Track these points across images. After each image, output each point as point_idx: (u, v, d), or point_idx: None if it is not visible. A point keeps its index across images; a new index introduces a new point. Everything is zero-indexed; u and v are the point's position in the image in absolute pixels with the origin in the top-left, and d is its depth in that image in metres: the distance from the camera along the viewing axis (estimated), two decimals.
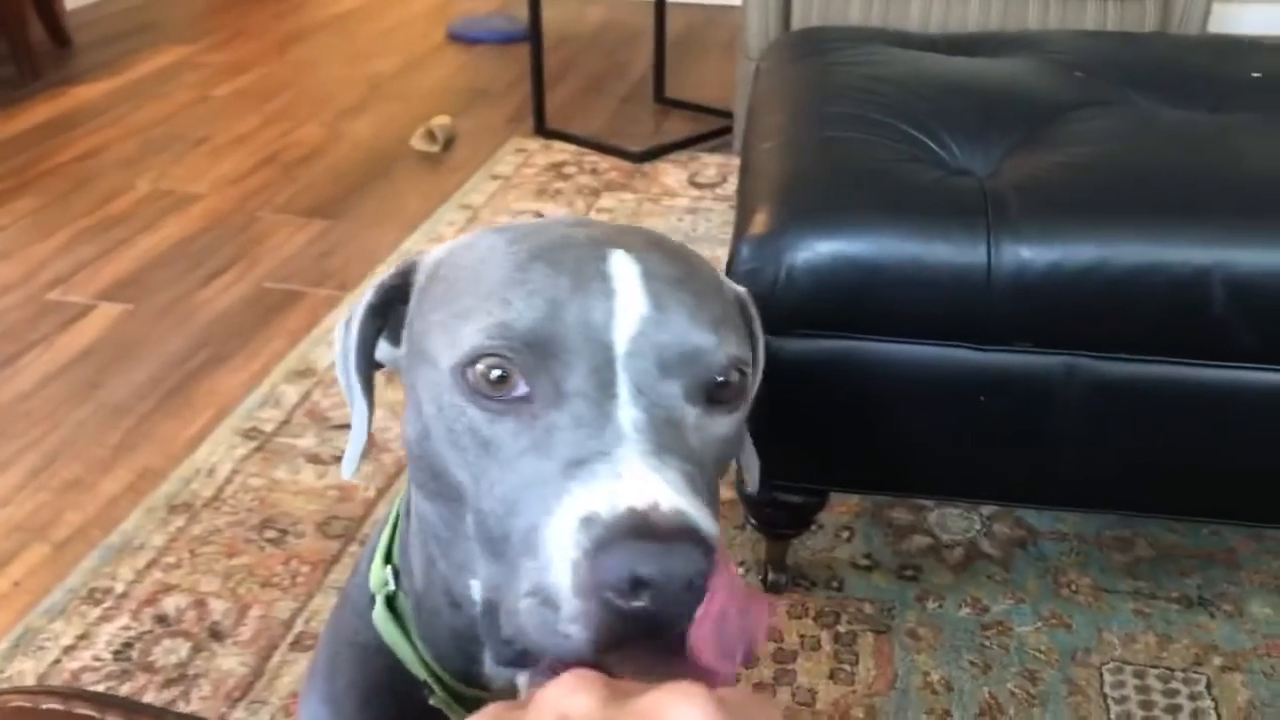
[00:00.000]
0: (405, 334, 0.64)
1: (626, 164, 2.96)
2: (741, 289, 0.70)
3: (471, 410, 0.56)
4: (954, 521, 1.68)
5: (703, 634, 0.49)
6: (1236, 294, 1.25)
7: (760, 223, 1.34)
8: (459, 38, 4.05)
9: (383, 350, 0.68)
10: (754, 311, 0.70)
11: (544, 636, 0.50)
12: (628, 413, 0.53)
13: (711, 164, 2.95)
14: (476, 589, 0.58)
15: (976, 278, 1.28)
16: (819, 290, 1.32)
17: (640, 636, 0.49)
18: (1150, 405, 1.34)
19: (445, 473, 0.58)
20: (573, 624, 0.49)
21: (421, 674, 0.67)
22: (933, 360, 1.36)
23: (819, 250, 1.30)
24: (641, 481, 0.50)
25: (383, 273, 0.67)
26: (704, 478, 0.55)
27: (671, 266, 0.60)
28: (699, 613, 0.49)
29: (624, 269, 0.58)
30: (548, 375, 0.55)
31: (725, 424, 0.59)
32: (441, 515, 0.61)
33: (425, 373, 0.60)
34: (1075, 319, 1.30)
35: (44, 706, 0.42)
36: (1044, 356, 1.33)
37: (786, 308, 1.33)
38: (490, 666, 0.65)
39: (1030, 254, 1.27)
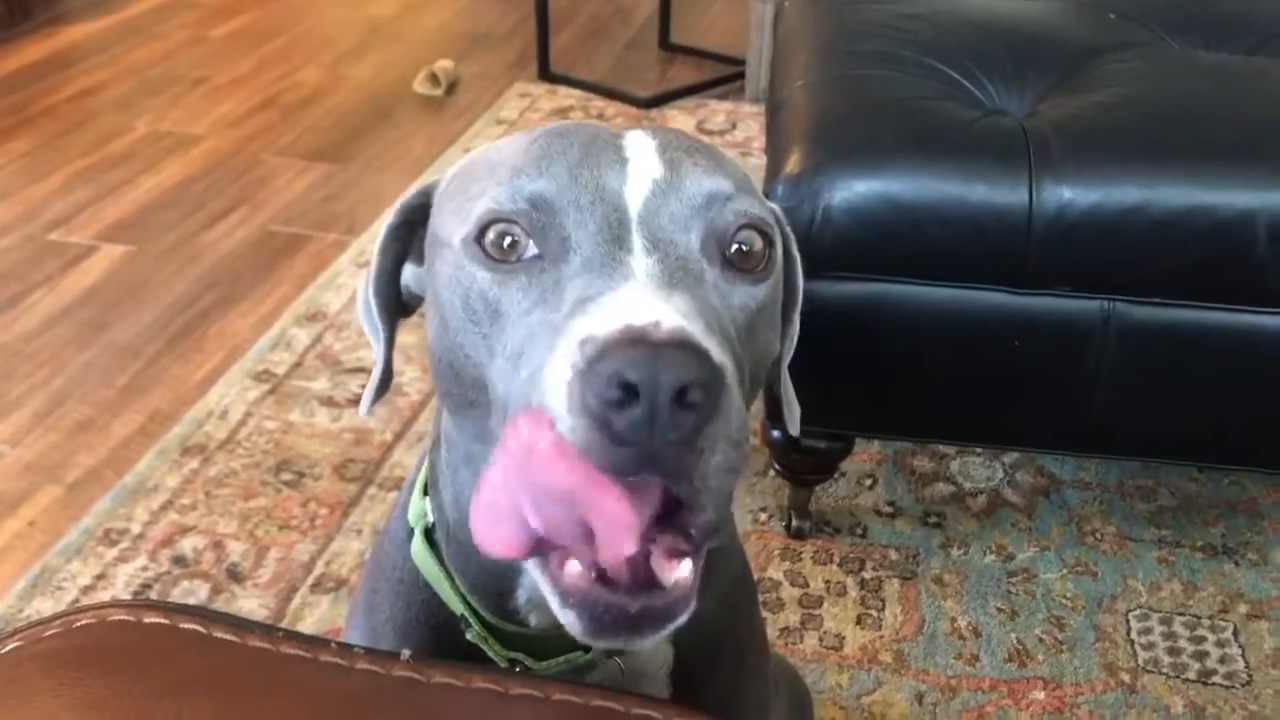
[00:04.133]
0: (427, 242, 0.63)
1: (634, 110, 2.92)
2: (775, 206, 0.68)
3: (482, 275, 0.56)
4: (976, 469, 1.67)
5: None
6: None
7: (795, 162, 1.32)
8: None
9: (408, 274, 0.68)
10: (788, 229, 0.68)
11: None
12: (640, 262, 0.53)
13: (720, 111, 2.91)
14: None
15: (1017, 218, 1.26)
16: (856, 230, 1.29)
17: (641, 468, 0.47)
18: (1186, 350, 1.33)
19: (465, 362, 0.57)
20: None
21: (458, 608, 0.65)
22: (968, 304, 1.34)
23: (857, 189, 1.28)
24: (644, 305, 0.49)
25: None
26: (725, 338, 0.53)
27: (690, 141, 0.60)
28: None
29: (639, 142, 0.59)
30: (557, 234, 0.55)
31: (749, 294, 0.57)
32: (466, 427, 0.60)
33: (441, 260, 0.60)
34: (1115, 261, 1.28)
35: (147, 620, 0.40)
36: (1081, 300, 1.31)
37: (822, 249, 1.31)
38: (523, 601, 0.63)
39: (1072, 195, 1.25)
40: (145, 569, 1.47)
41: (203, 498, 1.59)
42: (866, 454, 1.68)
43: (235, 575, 1.46)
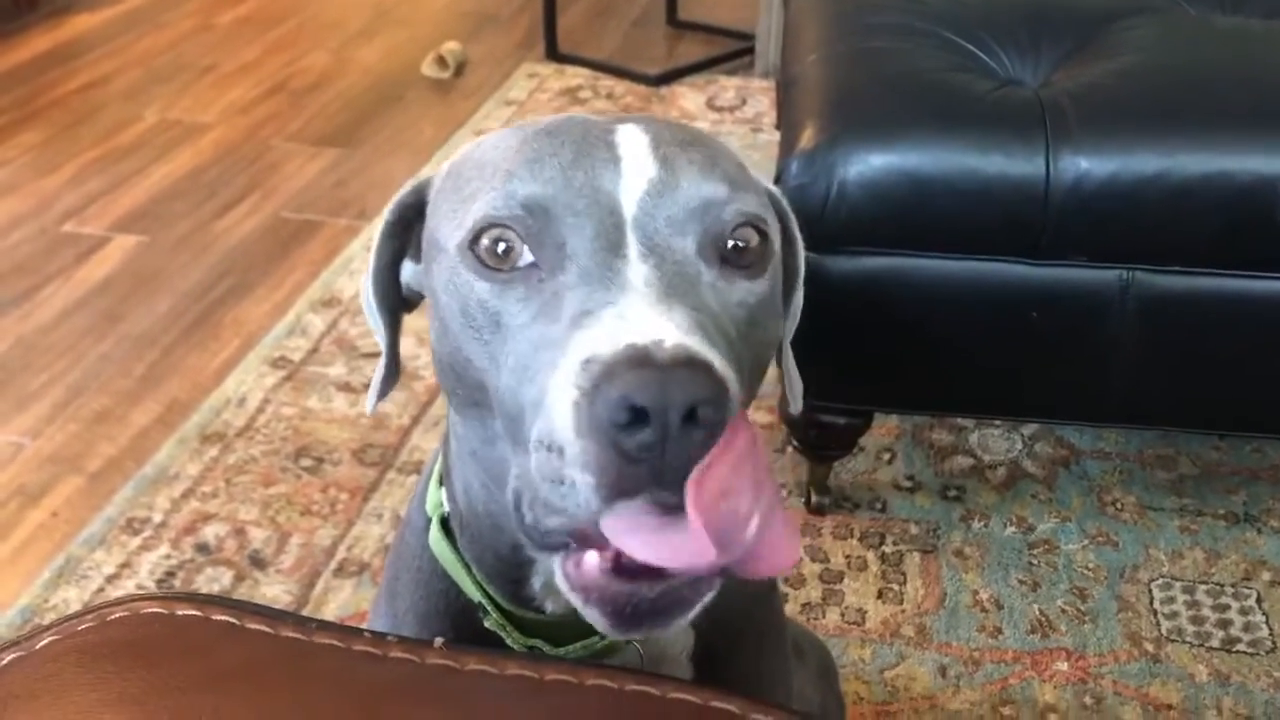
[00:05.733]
0: (424, 242, 0.63)
1: (642, 88, 2.90)
2: (773, 186, 0.68)
3: (479, 285, 0.55)
4: (995, 442, 1.66)
5: (704, 487, 0.45)
6: None
7: (809, 137, 1.31)
8: None
9: (407, 271, 0.67)
10: (787, 208, 0.68)
11: (553, 490, 0.49)
12: (637, 269, 0.52)
13: (730, 87, 2.90)
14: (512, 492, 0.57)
15: (1034, 189, 1.25)
16: (871, 205, 1.29)
17: (649, 485, 0.47)
18: (1206, 318, 1.32)
19: (466, 366, 0.57)
20: (577, 469, 0.47)
21: (476, 596, 0.66)
22: (985, 276, 1.33)
23: (872, 163, 1.27)
24: (645, 322, 0.49)
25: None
26: (725, 340, 0.53)
27: (682, 134, 0.59)
28: (704, 461, 0.45)
29: (632, 138, 0.58)
30: (553, 241, 0.54)
31: (747, 290, 0.57)
32: (473, 426, 0.60)
33: (438, 264, 0.59)
34: (1133, 230, 1.27)
35: (180, 613, 0.40)
36: (1099, 270, 1.31)
37: (837, 224, 1.30)
38: (538, 587, 0.63)
39: (1089, 164, 1.24)
40: (169, 557, 1.47)
41: (223, 485, 1.60)
42: (885, 428, 1.68)
43: (258, 562, 1.47)
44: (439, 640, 0.42)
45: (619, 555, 0.49)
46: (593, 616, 0.50)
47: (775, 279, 0.60)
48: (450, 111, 2.81)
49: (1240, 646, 1.34)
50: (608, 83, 2.93)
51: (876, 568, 1.46)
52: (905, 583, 1.43)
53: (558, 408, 0.48)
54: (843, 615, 1.39)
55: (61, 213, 2.35)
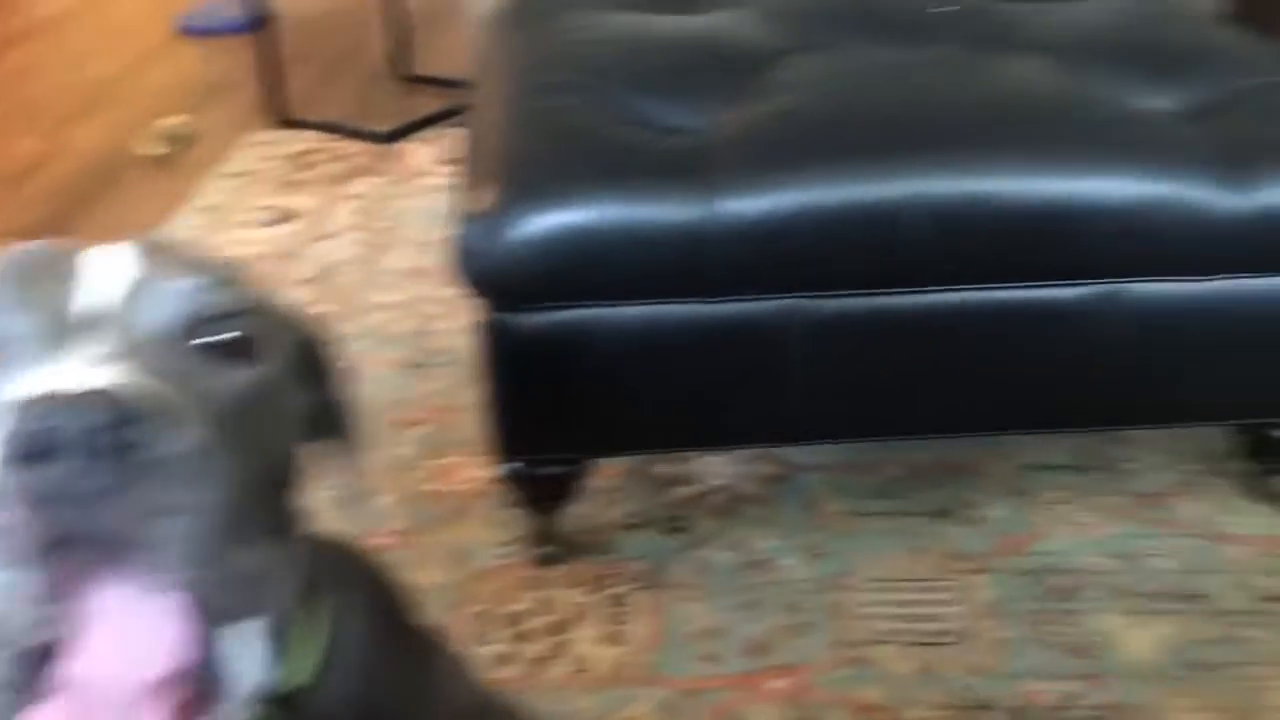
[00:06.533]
0: None
1: (374, 146, 2.88)
2: (312, 328, 0.68)
3: None
4: (716, 466, 1.71)
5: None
6: (931, 223, 1.32)
7: (481, 201, 1.34)
8: (189, 31, 3.83)
9: None
10: (325, 352, 0.69)
11: None
12: (84, 350, 0.51)
13: (462, 140, 2.91)
14: None
15: (694, 233, 1.32)
16: (545, 263, 1.32)
17: (82, 537, 0.47)
18: (868, 336, 1.41)
19: None
20: None
21: None
22: (665, 317, 1.39)
23: (540, 224, 1.31)
24: (70, 372, 0.49)
25: None
26: (203, 413, 0.52)
27: (164, 248, 0.60)
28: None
29: (101, 252, 0.58)
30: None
31: (233, 374, 0.56)
32: None
33: None
34: (789, 263, 1.35)
35: None
36: (766, 302, 1.38)
37: (514, 284, 1.34)
38: None
39: (740, 205, 1.31)
40: None
41: None
42: (610, 469, 1.70)
43: None
44: None
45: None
46: None
47: (269, 377, 0.59)
48: (173, 190, 2.71)
49: (940, 638, 1.43)
50: (338, 144, 2.90)
51: (603, 611, 1.48)
52: (631, 623, 1.46)
53: None
54: (571, 665, 1.41)
55: None
